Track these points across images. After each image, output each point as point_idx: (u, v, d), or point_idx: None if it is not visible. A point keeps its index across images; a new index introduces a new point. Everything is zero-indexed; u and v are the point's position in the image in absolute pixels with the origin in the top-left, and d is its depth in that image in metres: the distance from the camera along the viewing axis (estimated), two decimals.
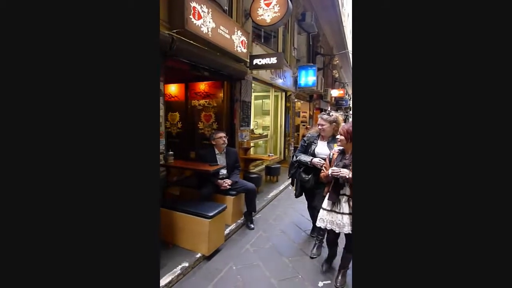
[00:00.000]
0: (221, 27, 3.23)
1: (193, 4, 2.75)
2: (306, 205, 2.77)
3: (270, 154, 4.20)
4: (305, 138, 2.57)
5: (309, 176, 2.44)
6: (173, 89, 4.61)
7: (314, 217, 2.58)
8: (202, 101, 4.44)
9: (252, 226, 3.13)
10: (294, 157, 2.59)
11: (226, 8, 3.89)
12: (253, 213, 3.22)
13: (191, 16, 2.73)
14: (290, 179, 2.74)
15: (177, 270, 2.16)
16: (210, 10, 3.01)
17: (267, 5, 3.86)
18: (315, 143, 2.47)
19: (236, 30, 3.58)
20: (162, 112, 2.86)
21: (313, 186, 2.44)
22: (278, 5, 3.79)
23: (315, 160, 2.34)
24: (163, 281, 2.01)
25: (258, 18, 3.93)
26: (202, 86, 4.38)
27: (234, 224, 3.08)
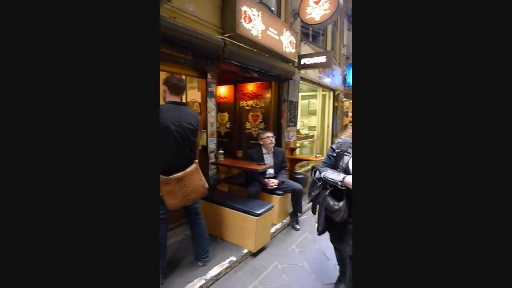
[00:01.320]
0: (270, 29, 3.28)
1: (244, 8, 2.85)
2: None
3: (317, 155, 4.12)
4: (334, 146, 1.71)
5: (340, 204, 1.57)
6: (222, 90, 4.82)
7: (342, 262, 1.94)
8: (250, 102, 4.55)
9: (297, 226, 3.12)
10: (317, 172, 1.74)
11: (274, 9, 3.93)
12: (298, 213, 3.20)
13: (242, 20, 2.83)
14: (311, 204, 1.89)
15: (225, 263, 2.27)
16: (260, 12, 3.08)
17: (316, 2, 3.79)
18: (348, 154, 1.61)
19: (284, 31, 3.60)
20: (214, 113, 3.03)
21: (344, 219, 1.58)
22: (328, 2, 3.69)
23: (349, 179, 1.52)
24: (213, 272, 2.13)
25: (306, 17, 3.89)
26: (250, 87, 4.49)
27: (280, 224, 3.11)
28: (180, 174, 1.81)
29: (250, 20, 2.94)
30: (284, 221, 3.20)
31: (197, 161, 1.92)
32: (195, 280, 2.03)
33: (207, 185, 1.95)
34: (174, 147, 1.81)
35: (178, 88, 1.89)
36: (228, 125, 4.94)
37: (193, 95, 4.00)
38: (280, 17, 3.96)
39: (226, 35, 2.85)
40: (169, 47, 2.41)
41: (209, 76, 2.90)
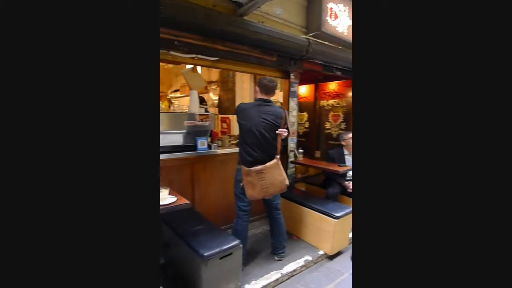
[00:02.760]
0: None
1: (330, 5, 2.78)
2: None
3: None
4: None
5: None
6: (303, 90, 4.81)
7: None
8: (331, 101, 4.41)
9: None
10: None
11: None
12: None
13: (327, 18, 2.77)
14: None
15: (301, 261, 2.29)
16: (347, 7, 2.95)
17: None
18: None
19: None
20: (295, 113, 3.07)
21: None
22: None
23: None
24: (289, 268, 2.18)
25: None
26: (332, 86, 4.35)
27: None
28: (260, 167, 1.92)
29: (336, 17, 2.86)
30: None
31: (278, 156, 1.99)
32: (271, 273, 2.12)
33: (287, 182, 2.01)
34: (255, 141, 1.95)
35: (268, 88, 2.01)
36: (306, 124, 4.91)
37: (275, 95, 4.13)
38: None
39: (311, 34, 2.84)
40: (256, 50, 2.56)
41: (292, 76, 2.95)
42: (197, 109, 2.71)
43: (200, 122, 2.46)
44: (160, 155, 2.29)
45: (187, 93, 5.46)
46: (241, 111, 2.01)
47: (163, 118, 2.35)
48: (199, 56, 2.30)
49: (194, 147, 2.47)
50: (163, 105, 4.65)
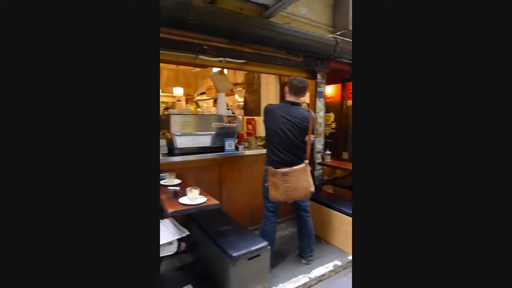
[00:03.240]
0: None
1: None
2: None
3: None
4: None
5: None
6: (329, 90, 4.71)
7: None
8: None
9: None
10: None
11: None
12: None
13: None
14: None
15: (330, 266, 2.23)
16: None
17: None
18: None
19: None
20: (322, 113, 3.01)
21: None
22: None
23: None
24: (317, 272, 2.14)
25: None
26: None
27: None
28: (286, 169, 1.91)
29: None
30: None
31: (307, 162, 1.96)
32: (299, 276, 2.09)
33: (312, 189, 1.96)
34: (280, 142, 1.94)
35: (297, 89, 1.99)
36: (333, 125, 4.79)
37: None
38: None
39: (338, 33, 2.78)
40: (283, 51, 2.56)
41: (318, 77, 2.90)
42: (224, 111, 2.75)
43: (228, 124, 2.51)
44: (189, 156, 2.36)
45: (213, 96, 5.59)
46: (268, 112, 2.02)
47: (191, 120, 2.42)
48: (227, 59, 2.34)
49: (221, 148, 2.51)
50: (191, 107, 4.78)
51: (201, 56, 2.21)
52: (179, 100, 4.96)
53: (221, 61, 2.34)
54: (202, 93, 6.11)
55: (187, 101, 5.99)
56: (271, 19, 2.32)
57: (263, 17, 2.31)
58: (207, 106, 4.79)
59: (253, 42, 2.29)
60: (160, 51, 2.08)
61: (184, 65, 4.05)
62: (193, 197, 1.53)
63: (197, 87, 6.35)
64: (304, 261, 2.26)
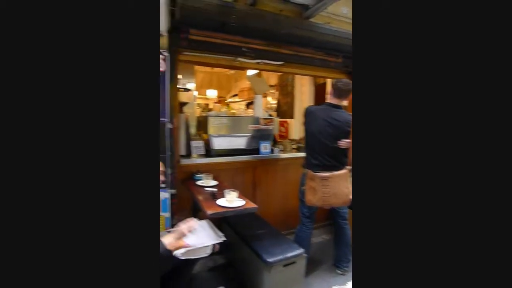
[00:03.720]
0: None
1: None
2: None
3: None
4: None
5: None
6: None
7: None
8: None
9: None
10: None
11: None
12: None
13: None
14: None
15: None
16: None
17: None
18: None
19: None
20: None
21: None
22: None
23: None
24: None
25: None
26: None
27: None
28: (327, 174, 1.84)
29: None
30: None
31: (350, 168, 1.87)
32: (333, 287, 2.00)
33: (351, 196, 1.87)
34: (319, 145, 1.88)
35: (341, 92, 1.91)
36: None
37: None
38: None
39: None
40: (321, 52, 2.48)
41: None
42: (261, 113, 2.74)
43: (264, 126, 2.49)
44: (225, 157, 2.37)
45: (245, 98, 5.63)
46: (308, 114, 1.97)
47: (228, 121, 2.44)
48: (264, 61, 2.33)
49: (257, 151, 2.50)
50: (225, 109, 4.85)
51: (239, 59, 2.22)
52: (217, 102, 5.06)
53: (258, 63, 2.33)
54: (235, 95, 6.19)
55: (219, 103, 6.11)
56: (311, 20, 2.27)
57: (303, 18, 2.26)
58: (243, 108, 4.83)
59: (293, 43, 2.26)
60: (200, 54, 2.13)
61: (223, 68, 4.12)
62: (231, 200, 1.52)
63: (229, 90, 6.45)
64: (339, 272, 2.16)
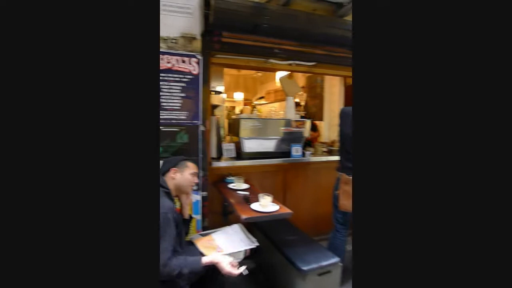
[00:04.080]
0: None
1: None
2: None
3: None
4: None
5: None
6: None
7: None
8: None
9: None
10: None
11: None
12: None
13: None
14: None
15: None
16: None
17: None
18: None
19: None
20: None
21: None
22: None
23: None
24: None
25: None
26: None
27: None
28: None
29: None
30: None
31: None
32: None
33: None
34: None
35: None
36: None
37: None
38: None
39: None
40: (349, 51, 2.38)
41: None
42: (293, 115, 2.69)
43: (296, 129, 2.43)
44: (255, 160, 2.35)
45: (271, 100, 5.60)
46: (343, 116, 1.88)
47: (260, 123, 2.41)
48: (296, 62, 2.28)
49: (288, 154, 2.45)
50: (255, 112, 4.83)
51: (271, 60, 2.19)
52: (246, 105, 5.07)
53: (290, 64, 2.28)
54: (261, 98, 6.18)
55: (247, 105, 6.12)
56: (346, 18, 2.18)
57: (337, 16, 2.18)
58: (270, 110, 4.79)
59: (326, 43, 2.18)
60: (232, 56, 2.13)
61: (255, 70, 4.12)
62: (265, 204, 1.48)
63: (256, 92, 6.46)
64: None
